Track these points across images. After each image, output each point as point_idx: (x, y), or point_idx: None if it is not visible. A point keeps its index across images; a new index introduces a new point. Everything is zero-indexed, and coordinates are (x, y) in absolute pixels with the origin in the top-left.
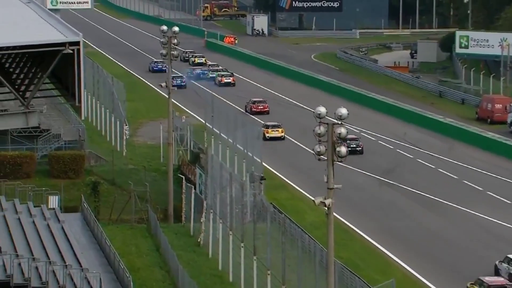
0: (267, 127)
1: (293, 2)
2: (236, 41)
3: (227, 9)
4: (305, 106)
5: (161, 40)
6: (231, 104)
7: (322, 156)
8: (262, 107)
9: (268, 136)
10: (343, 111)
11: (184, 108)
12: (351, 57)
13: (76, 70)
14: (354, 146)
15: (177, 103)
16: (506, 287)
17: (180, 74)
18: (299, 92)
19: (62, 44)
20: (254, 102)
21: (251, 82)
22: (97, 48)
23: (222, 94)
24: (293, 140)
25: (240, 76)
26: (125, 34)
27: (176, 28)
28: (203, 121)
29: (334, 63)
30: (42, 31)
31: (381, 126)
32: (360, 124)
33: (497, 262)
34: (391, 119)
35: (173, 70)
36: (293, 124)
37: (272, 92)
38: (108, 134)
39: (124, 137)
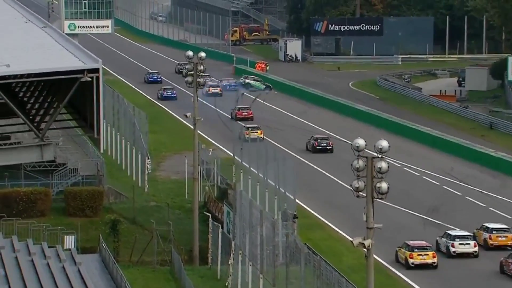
0: (247, 128)
1: (329, 25)
2: (268, 68)
3: (257, 33)
4: (342, 138)
5: (187, 66)
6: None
7: (360, 193)
8: (246, 113)
9: (248, 138)
10: (384, 143)
11: (211, 140)
12: (392, 85)
13: (95, 100)
14: (324, 145)
15: (203, 135)
16: (426, 247)
17: (171, 87)
18: (336, 123)
19: (80, 72)
20: (239, 109)
21: (283, 111)
22: (117, 76)
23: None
24: (328, 174)
25: (272, 106)
26: (147, 60)
27: (202, 54)
28: (231, 154)
29: (374, 92)
30: (58, 58)
31: (426, 161)
32: (402, 158)
33: (438, 238)
34: (436, 153)
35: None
36: (329, 157)
37: (306, 122)
38: (128, 168)
39: (146, 172)
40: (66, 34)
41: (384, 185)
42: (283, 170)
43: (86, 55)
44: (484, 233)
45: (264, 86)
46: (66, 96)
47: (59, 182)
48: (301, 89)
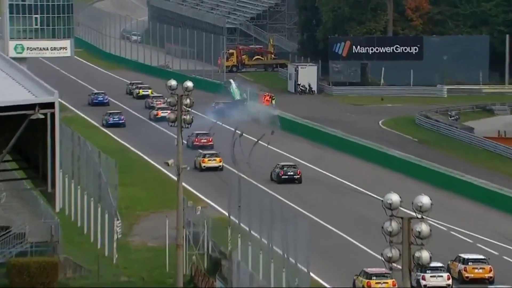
0: (203, 156)
1: (353, 46)
2: (274, 101)
3: (260, 57)
4: (370, 193)
5: (169, 100)
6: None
7: (394, 264)
8: (205, 140)
9: (204, 166)
10: (425, 200)
11: (199, 195)
12: (435, 124)
13: (49, 143)
14: (292, 173)
15: (190, 188)
16: (386, 274)
17: (119, 111)
18: (362, 173)
19: (30, 107)
20: (197, 135)
21: (293, 157)
22: (78, 112)
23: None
24: (351, 239)
25: (279, 151)
26: (118, 91)
27: (189, 83)
28: (226, 214)
29: (412, 133)
30: (1, 89)
31: (480, 222)
32: (449, 219)
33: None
34: (494, 212)
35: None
36: (352, 216)
37: (323, 172)
38: (92, 232)
39: (115, 237)
40: (11, 58)
41: (425, 255)
42: (293, 234)
43: (37, 85)
44: (459, 265)
45: (240, 98)
46: (10, 139)
47: (0, 252)
48: (316, 128)
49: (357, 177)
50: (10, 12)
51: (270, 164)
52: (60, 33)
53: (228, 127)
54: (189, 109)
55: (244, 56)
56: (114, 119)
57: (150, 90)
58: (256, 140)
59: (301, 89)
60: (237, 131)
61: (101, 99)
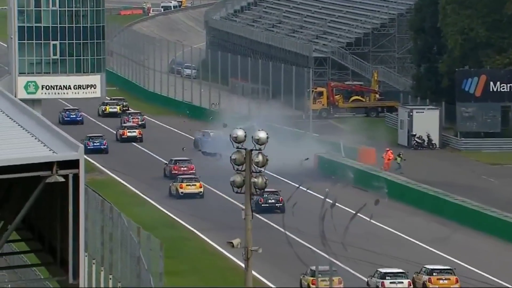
0: (181, 181)
1: (490, 83)
2: (399, 160)
3: (360, 97)
4: None
5: (233, 157)
6: None
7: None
8: (185, 167)
9: (182, 192)
10: (261, 134)
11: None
12: None
13: (71, 216)
14: (273, 201)
15: (259, 275)
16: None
17: (100, 135)
18: (507, 261)
19: (45, 166)
20: (175, 162)
21: (404, 236)
22: (110, 173)
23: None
24: None
25: (385, 227)
26: (163, 142)
27: (261, 135)
28: None
29: None
30: (7, 142)
31: None
32: None
33: (368, 278)
34: None
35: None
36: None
37: (449, 258)
38: None
39: None
40: (20, 99)
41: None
42: None
43: (55, 135)
44: (424, 276)
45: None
46: (18, 211)
47: None
48: (440, 197)
49: (499, 266)
50: (19, 37)
51: (374, 247)
52: (87, 66)
53: (317, 194)
54: (262, 169)
55: (337, 96)
56: (95, 144)
57: (118, 107)
58: (354, 212)
59: (417, 141)
60: (327, 199)
61: (74, 116)
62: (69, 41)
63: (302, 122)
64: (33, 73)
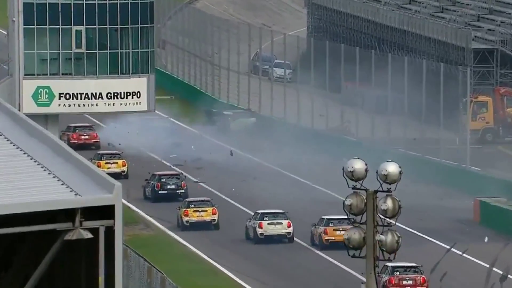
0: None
1: None
2: None
3: None
4: None
5: (347, 202)
6: None
7: None
8: (87, 136)
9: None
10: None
11: None
12: None
13: (102, 281)
14: (173, 187)
15: None
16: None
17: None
18: None
19: (65, 215)
20: (75, 129)
21: None
22: (163, 228)
23: None
24: None
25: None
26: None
27: (391, 168)
28: None
29: None
30: (6, 178)
31: None
32: None
33: (246, 222)
34: None
35: None
36: None
37: None
38: None
39: None
40: (26, 114)
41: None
42: None
43: (81, 170)
44: (320, 227)
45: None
46: (28, 276)
47: None
48: None
49: None
50: (26, 20)
51: None
52: (128, 64)
53: (478, 260)
54: (392, 222)
55: (510, 109)
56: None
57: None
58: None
59: None
60: (494, 267)
61: None
62: (100, 26)
63: (455, 149)
64: (46, 74)
